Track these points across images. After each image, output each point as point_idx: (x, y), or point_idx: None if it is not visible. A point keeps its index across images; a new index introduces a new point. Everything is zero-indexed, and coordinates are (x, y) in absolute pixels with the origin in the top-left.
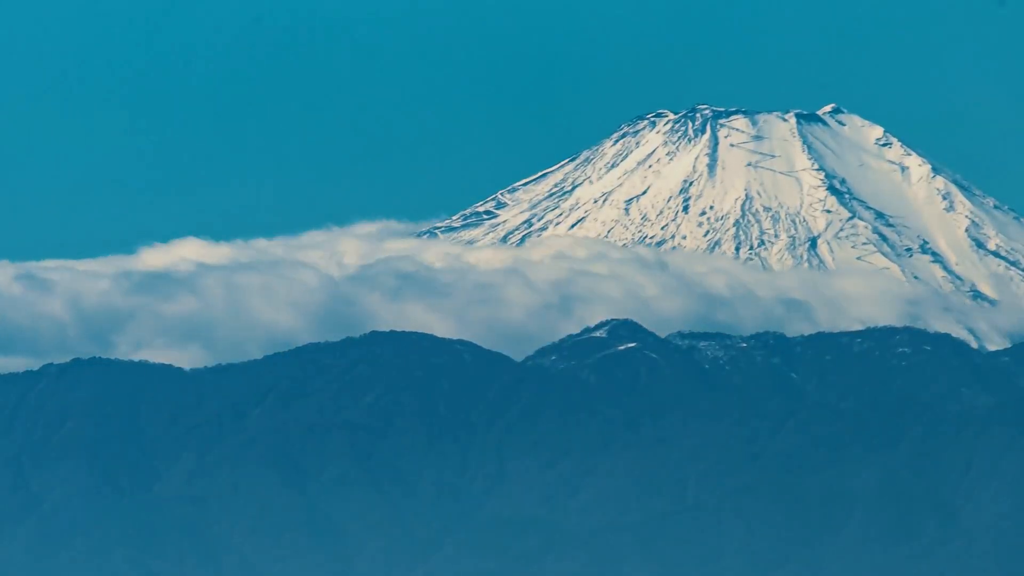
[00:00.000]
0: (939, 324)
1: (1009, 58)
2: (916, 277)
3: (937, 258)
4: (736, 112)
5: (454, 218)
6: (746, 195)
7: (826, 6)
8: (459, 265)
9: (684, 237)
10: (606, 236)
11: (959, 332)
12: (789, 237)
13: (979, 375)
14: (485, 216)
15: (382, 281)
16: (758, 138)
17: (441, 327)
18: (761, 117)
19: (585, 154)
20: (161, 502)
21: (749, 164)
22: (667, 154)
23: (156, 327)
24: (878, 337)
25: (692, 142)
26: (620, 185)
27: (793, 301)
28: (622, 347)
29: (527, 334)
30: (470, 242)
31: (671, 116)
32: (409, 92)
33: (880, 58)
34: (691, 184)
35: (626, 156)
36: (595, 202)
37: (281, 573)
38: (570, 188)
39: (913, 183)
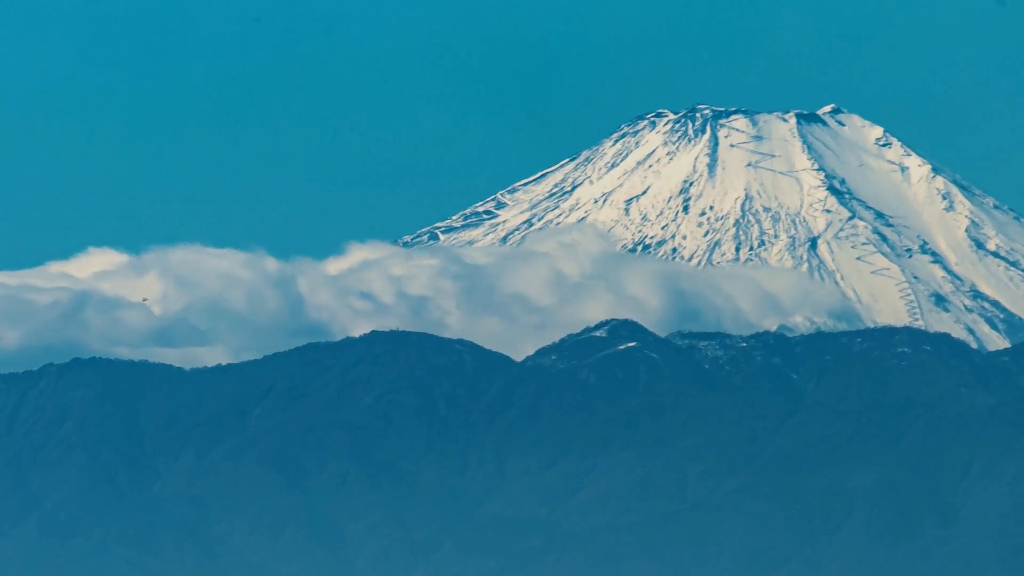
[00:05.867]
0: (939, 324)
1: (1009, 58)
2: (916, 277)
3: (937, 258)
4: (736, 112)
5: (454, 218)
6: (746, 195)
7: (826, 6)
8: (459, 264)
9: (684, 237)
10: (606, 236)
11: (959, 332)
12: (789, 237)
13: (979, 375)
14: (485, 216)
15: (382, 281)
16: (758, 138)
17: (441, 327)
18: (761, 117)
19: (585, 154)
20: (161, 501)
21: (749, 164)
22: (667, 154)
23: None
24: (878, 337)
25: (692, 142)
26: (620, 185)
27: (793, 301)
28: (622, 347)
29: (527, 334)
30: (470, 242)
31: (671, 116)
32: (409, 92)
33: (880, 58)
34: (691, 184)
35: (626, 156)
36: (595, 202)
37: (281, 573)
38: (570, 188)
39: (913, 183)
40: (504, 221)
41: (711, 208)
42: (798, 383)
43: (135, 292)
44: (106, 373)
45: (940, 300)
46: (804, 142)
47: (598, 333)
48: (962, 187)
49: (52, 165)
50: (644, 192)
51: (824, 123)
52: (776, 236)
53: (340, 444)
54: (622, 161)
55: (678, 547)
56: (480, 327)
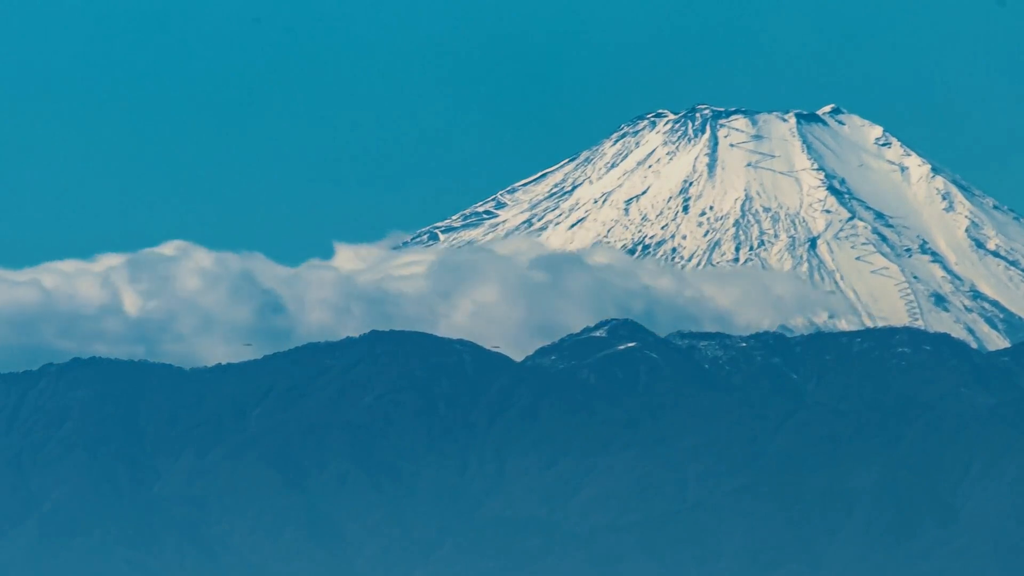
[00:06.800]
0: (939, 324)
1: (1009, 58)
2: (916, 277)
3: (937, 258)
4: (736, 112)
5: (454, 218)
6: (746, 195)
7: (826, 6)
8: (459, 264)
9: (684, 237)
10: (606, 236)
11: (959, 332)
12: (789, 237)
13: (979, 375)
14: (485, 216)
15: (381, 281)
16: (758, 138)
17: (441, 327)
18: (761, 117)
19: (585, 154)
20: (161, 502)
21: (749, 164)
22: (667, 154)
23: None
24: (878, 337)
25: (692, 142)
26: (620, 185)
27: (793, 301)
28: (622, 347)
29: (527, 334)
30: (470, 242)
31: (671, 116)
32: (409, 92)
33: (880, 58)
34: (691, 184)
35: (626, 156)
36: (595, 202)
37: (281, 573)
38: (570, 188)
39: (913, 183)
40: (504, 221)
41: (711, 208)
42: (798, 383)
43: (124, 294)
44: (106, 373)
45: (940, 300)
46: (804, 142)
47: (598, 333)
48: (962, 187)
49: (49, 163)
50: (644, 192)
51: (824, 123)
52: (776, 236)
53: (340, 444)
54: (622, 161)
55: (678, 547)
56: (480, 327)
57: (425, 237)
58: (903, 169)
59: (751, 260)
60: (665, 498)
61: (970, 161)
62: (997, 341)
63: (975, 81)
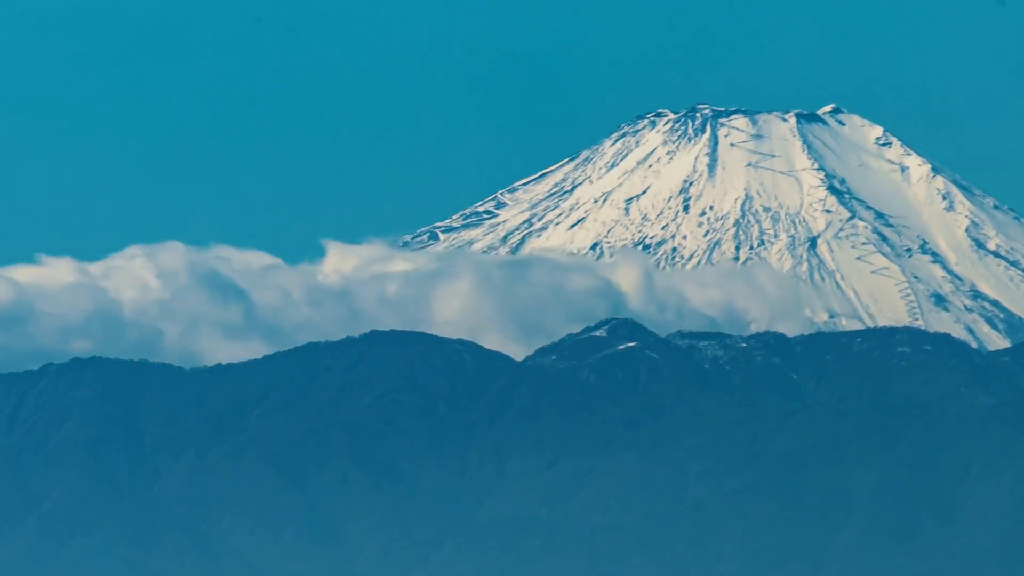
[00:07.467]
0: (939, 324)
1: (1009, 58)
2: (916, 277)
3: (937, 258)
4: (736, 112)
5: (454, 218)
6: (746, 195)
7: (826, 6)
8: (459, 264)
9: (684, 237)
10: (606, 236)
11: (959, 332)
12: (789, 237)
13: (979, 375)
14: (485, 216)
15: (385, 280)
16: (758, 137)
17: (441, 327)
18: (761, 117)
19: (585, 154)
20: (161, 502)
21: (749, 164)
22: (667, 154)
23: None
24: (878, 337)
25: (692, 142)
26: (620, 185)
27: (793, 301)
28: (622, 347)
29: (527, 334)
30: (470, 242)
31: (671, 116)
32: (408, 92)
33: (880, 58)
34: (691, 184)
35: (626, 156)
36: (595, 202)
37: (281, 573)
38: (570, 188)
39: (913, 183)
40: (504, 221)
41: (711, 208)
42: (798, 383)
43: (120, 295)
44: (106, 373)
45: (940, 300)
46: (804, 142)
47: (598, 333)
48: (962, 187)
49: (45, 162)
50: (644, 192)
51: (824, 123)
52: (776, 236)
53: (340, 444)
54: (622, 161)
55: (678, 547)
56: (480, 327)
57: (425, 237)
58: (903, 169)
59: (751, 260)
60: (665, 498)
61: (970, 161)
62: (997, 341)
63: (975, 81)
